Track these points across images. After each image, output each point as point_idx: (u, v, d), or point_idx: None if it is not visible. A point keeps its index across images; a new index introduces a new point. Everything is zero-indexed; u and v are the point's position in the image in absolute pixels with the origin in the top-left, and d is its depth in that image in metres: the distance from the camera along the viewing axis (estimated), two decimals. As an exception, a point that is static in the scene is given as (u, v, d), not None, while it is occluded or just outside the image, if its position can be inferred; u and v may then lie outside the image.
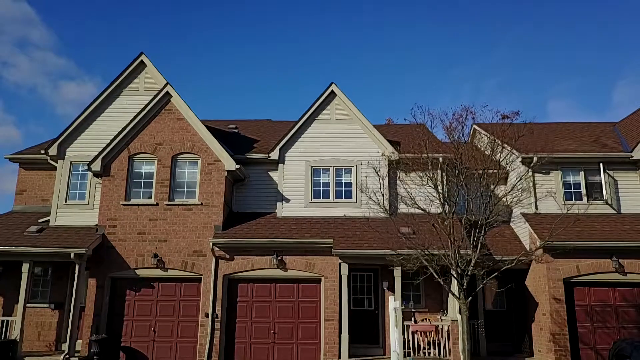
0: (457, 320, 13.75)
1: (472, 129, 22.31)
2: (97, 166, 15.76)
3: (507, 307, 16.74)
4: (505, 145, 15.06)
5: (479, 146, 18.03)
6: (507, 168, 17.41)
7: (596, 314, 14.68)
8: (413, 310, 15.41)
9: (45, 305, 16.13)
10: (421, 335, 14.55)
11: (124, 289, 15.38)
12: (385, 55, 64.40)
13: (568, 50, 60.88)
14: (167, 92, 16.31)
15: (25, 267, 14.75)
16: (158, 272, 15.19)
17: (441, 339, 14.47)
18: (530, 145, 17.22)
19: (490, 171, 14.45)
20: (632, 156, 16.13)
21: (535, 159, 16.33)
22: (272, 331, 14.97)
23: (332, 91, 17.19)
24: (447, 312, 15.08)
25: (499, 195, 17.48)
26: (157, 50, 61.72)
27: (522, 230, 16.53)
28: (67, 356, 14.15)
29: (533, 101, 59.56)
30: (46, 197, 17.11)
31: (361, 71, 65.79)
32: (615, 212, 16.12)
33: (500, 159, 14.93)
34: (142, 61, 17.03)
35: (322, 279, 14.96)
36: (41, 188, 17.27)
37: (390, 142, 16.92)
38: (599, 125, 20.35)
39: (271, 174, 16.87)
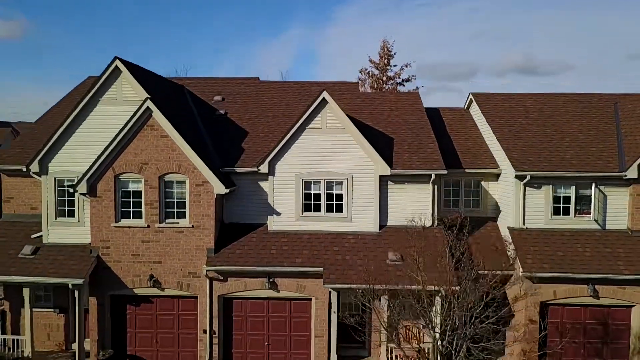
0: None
1: (469, 99, 21.59)
2: (82, 188, 15.46)
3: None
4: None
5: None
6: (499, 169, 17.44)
7: (566, 329, 15.86)
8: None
9: (50, 309, 17.00)
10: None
11: (124, 304, 16.17)
12: None
13: None
14: (148, 107, 15.34)
15: (26, 292, 15.38)
16: (155, 291, 15.85)
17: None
18: (526, 153, 16.91)
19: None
20: (625, 175, 16.00)
21: (528, 177, 16.18)
22: (266, 343, 16.17)
23: (324, 99, 16.25)
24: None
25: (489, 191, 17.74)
26: None
27: (507, 237, 16.94)
28: (79, 371, 15.40)
29: None
30: (35, 205, 16.97)
31: None
32: (600, 228, 16.45)
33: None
34: (117, 67, 15.67)
35: (313, 299, 15.73)
36: (28, 196, 17.05)
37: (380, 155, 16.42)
38: (599, 107, 19.61)
39: (261, 184, 16.68)
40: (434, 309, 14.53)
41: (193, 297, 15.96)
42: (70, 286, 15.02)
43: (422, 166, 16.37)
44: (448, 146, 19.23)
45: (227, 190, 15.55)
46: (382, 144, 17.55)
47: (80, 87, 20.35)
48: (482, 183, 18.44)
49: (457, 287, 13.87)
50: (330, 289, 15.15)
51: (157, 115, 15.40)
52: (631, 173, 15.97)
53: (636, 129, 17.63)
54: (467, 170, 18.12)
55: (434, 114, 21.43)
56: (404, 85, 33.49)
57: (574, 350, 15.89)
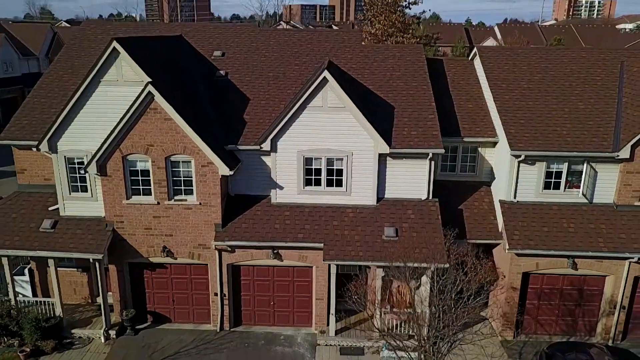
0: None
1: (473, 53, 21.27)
2: (92, 169, 16.12)
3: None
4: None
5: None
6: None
7: (544, 294, 17.44)
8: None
9: (73, 269, 18.56)
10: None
11: (141, 270, 17.64)
12: None
13: None
14: (150, 92, 15.44)
15: (51, 263, 16.78)
16: (169, 260, 17.21)
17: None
18: (523, 128, 17.20)
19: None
20: (618, 156, 16.45)
21: (523, 156, 16.66)
22: (271, 302, 17.90)
23: (325, 77, 16.18)
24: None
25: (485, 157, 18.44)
26: None
27: (499, 209, 17.84)
28: (106, 328, 17.33)
29: None
30: (48, 176, 17.66)
31: None
32: (587, 201, 17.28)
33: None
34: (114, 48, 15.47)
35: (314, 267, 17.13)
36: (40, 167, 17.68)
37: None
38: (604, 68, 19.36)
39: (264, 158, 17.22)
40: (423, 278, 15.99)
41: (204, 264, 17.34)
42: (90, 260, 16.35)
43: (420, 144, 16.76)
44: (448, 108, 19.42)
45: (232, 173, 16.18)
46: (382, 114, 17.76)
47: (72, 47, 20.08)
48: (479, 149, 18.90)
49: (447, 265, 15.13)
50: (329, 264, 16.44)
51: (159, 99, 15.53)
52: (623, 154, 16.41)
53: (636, 99, 17.64)
54: (465, 139, 18.47)
55: (437, 67, 21.28)
56: (410, 9, 32.25)
57: (549, 311, 17.60)
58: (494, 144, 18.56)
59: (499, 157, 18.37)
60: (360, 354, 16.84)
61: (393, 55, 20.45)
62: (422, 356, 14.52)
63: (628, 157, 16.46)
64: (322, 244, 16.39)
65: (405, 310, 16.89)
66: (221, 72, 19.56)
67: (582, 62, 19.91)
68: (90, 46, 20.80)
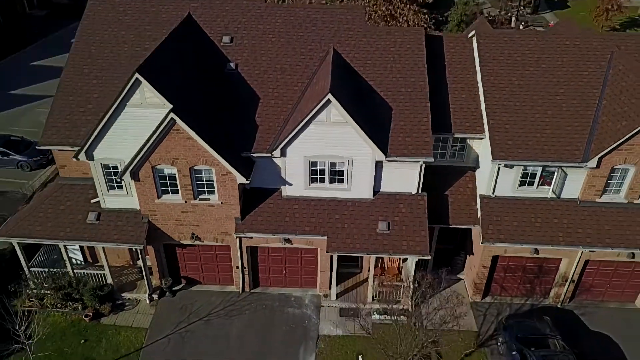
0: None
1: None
2: (127, 177, 18.63)
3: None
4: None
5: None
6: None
7: (510, 269, 21.02)
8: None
9: (115, 240, 21.99)
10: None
11: (174, 248, 21.08)
12: None
13: None
14: (172, 118, 17.33)
15: (100, 248, 20.18)
16: (197, 243, 20.54)
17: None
18: (507, 134, 19.19)
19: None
20: (586, 165, 18.73)
21: (503, 165, 18.98)
22: (283, 271, 21.64)
23: (328, 99, 17.78)
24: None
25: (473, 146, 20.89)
26: None
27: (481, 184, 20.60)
28: (149, 293, 21.35)
29: None
30: (86, 170, 20.09)
31: None
32: (556, 197, 19.95)
33: None
34: (137, 79, 17.00)
35: (319, 249, 20.48)
36: (79, 163, 19.92)
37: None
38: (595, 59, 20.55)
39: (275, 160, 19.52)
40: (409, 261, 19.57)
41: (227, 245, 20.70)
42: (133, 248, 19.71)
43: (413, 152, 18.92)
44: (443, 99, 21.05)
45: (248, 181, 18.69)
46: (381, 117, 19.63)
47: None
48: (468, 141, 20.98)
49: (428, 257, 18.64)
50: (331, 255, 19.74)
51: (181, 123, 17.44)
52: (591, 164, 18.66)
53: (615, 103, 19.24)
54: (455, 135, 20.50)
55: (436, 47, 22.26)
56: None
57: (513, 280, 21.34)
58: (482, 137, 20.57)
59: (484, 148, 20.50)
60: (356, 316, 20.95)
61: (394, 42, 21.39)
62: (406, 319, 18.62)
63: (595, 166, 18.73)
64: (326, 237, 19.51)
65: (393, 283, 20.77)
66: (231, 64, 20.83)
67: (574, 52, 20.97)
68: (103, 29, 21.73)
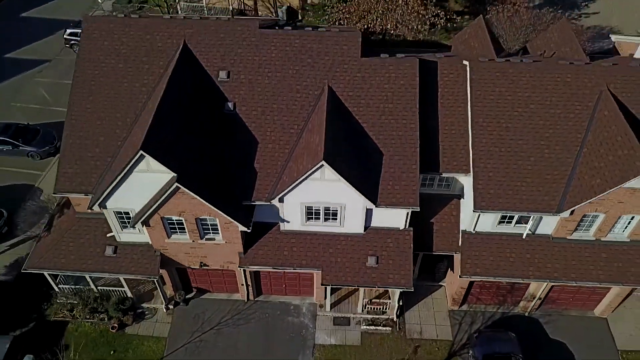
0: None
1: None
2: (138, 225, 20.51)
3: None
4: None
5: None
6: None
7: (485, 286, 23.61)
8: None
9: (130, 255, 24.43)
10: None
11: (185, 269, 23.55)
12: None
13: None
14: (177, 186, 18.74)
15: (122, 279, 22.66)
16: (205, 268, 22.96)
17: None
18: (489, 183, 20.60)
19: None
20: (559, 215, 20.39)
21: (484, 214, 20.66)
22: (283, 285, 24.33)
23: (322, 164, 18.95)
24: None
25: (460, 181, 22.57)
26: None
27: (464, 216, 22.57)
28: (165, 304, 24.27)
29: None
30: (99, 207, 21.92)
31: None
32: (531, 232, 21.86)
33: None
34: (141, 154, 18.10)
35: (315, 273, 22.93)
36: (92, 202, 21.76)
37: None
38: (584, 97, 21.17)
39: (274, 202, 21.16)
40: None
41: (232, 270, 23.12)
42: (149, 278, 22.17)
43: (401, 201, 20.46)
44: (433, 134, 22.02)
45: (249, 230, 20.55)
46: (371, 163, 20.85)
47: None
48: (455, 175, 22.35)
49: (412, 289, 21.23)
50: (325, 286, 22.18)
51: (184, 189, 18.88)
52: (564, 214, 20.31)
53: (595, 151, 20.27)
54: (443, 175, 21.84)
55: (429, 77, 22.65)
56: None
57: (487, 293, 24.06)
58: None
59: (467, 186, 21.94)
60: (347, 324, 24.03)
61: (388, 78, 21.77)
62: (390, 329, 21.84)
63: (567, 216, 20.40)
64: (321, 270, 21.82)
65: (380, 300, 23.57)
66: (229, 104, 21.51)
67: (564, 91, 21.45)
68: (101, 61, 22.06)
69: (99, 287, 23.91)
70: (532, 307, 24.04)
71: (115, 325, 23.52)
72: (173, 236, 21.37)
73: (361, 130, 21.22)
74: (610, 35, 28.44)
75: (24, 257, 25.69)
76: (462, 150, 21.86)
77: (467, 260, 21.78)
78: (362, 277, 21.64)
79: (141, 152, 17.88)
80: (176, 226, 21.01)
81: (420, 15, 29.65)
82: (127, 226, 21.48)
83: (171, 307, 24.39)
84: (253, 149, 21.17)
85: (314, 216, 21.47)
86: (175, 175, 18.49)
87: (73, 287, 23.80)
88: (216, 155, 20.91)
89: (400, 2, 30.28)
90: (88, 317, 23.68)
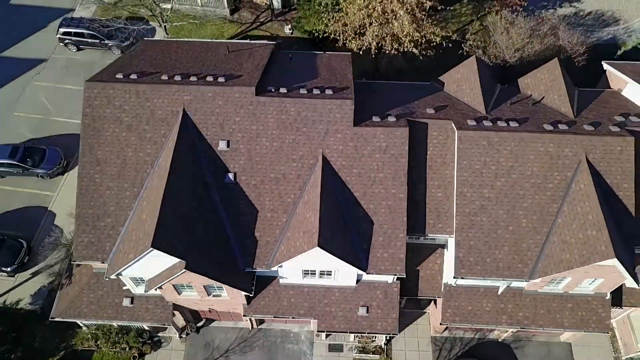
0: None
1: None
2: (152, 291, 22.87)
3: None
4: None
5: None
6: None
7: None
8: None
9: (144, 292, 27.07)
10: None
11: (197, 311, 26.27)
12: None
13: None
14: (185, 271, 20.83)
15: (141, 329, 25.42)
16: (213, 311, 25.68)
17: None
18: (470, 251, 22.62)
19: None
20: (529, 281, 22.63)
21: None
22: (284, 321, 27.16)
23: (316, 250, 20.86)
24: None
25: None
26: None
27: (447, 267, 24.95)
28: (178, 334, 27.27)
29: None
30: (114, 265, 24.14)
31: None
32: (507, 286, 24.26)
33: None
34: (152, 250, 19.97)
35: (312, 320, 25.63)
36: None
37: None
38: (563, 167, 22.53)
39: (273, 268, 23.35)
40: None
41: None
42: (164, 324, 24.92)
43: (389, 269, 22.60)
44: (420, 197, 23.64)
45: (251, 294, 22.90)
46: (363, 231, 22.72)
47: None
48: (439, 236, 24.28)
49: (397, 334, 24.17)
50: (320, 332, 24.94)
51: (191, 273, 20.97)
52: (535, 280, 22.53)
53: (568, 225, 22.04)
54: (428, 236, 23.78)
55: (420, 135, 23.82)
56: None
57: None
58: (452, 233, 23.81)
59: (451, 243, 23.96)
60: (341, 351, 27.22)
61: (379, 147, 22.97)
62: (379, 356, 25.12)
63: (537, 281, 22.65)
64: (317, 320, 24.49)
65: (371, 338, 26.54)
66: (230, 175, 22.90)
67: (544, 161, 22.70)
68: (105, 129, 23.15)
69: (118, 324, 26.73)
70: (504, 335, 27.04)
71: (136, 355, 26.65)
72: (183, 293, 23.76)
73: (354, 200, 22.81)
74: (602, 63, 28.71)
75: (46, 285, 28.46)
76: (446, 213, 23.56)
77: (447, 310, 24.35)
78: (353, 325, 24.34)
79: (150, 248, 19.71)
80: (186, 287, 23.31)
81: (415, 39, 29.57)
82: (140, 284, 23.79)
83: (184, 335, 27.39)
84: (253, 218, 22.89)
85: (310, 274, 23.70)
86: (184, 262, 20.45)
87: (95, 323, 26.58)
88: (218, 227, 22.68)
89: (390, 18, 29.94)
90: (111, 347, 26.72)
